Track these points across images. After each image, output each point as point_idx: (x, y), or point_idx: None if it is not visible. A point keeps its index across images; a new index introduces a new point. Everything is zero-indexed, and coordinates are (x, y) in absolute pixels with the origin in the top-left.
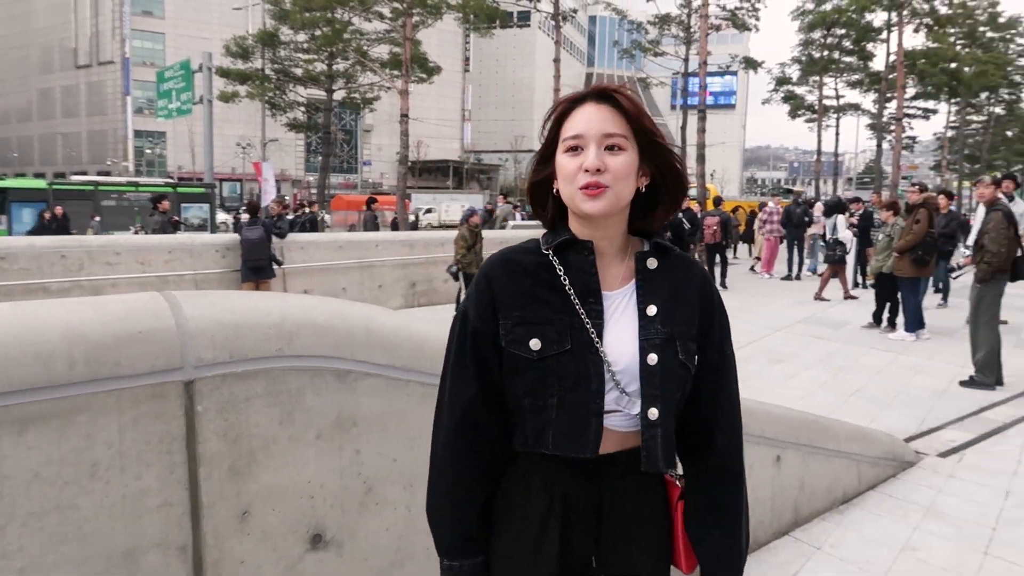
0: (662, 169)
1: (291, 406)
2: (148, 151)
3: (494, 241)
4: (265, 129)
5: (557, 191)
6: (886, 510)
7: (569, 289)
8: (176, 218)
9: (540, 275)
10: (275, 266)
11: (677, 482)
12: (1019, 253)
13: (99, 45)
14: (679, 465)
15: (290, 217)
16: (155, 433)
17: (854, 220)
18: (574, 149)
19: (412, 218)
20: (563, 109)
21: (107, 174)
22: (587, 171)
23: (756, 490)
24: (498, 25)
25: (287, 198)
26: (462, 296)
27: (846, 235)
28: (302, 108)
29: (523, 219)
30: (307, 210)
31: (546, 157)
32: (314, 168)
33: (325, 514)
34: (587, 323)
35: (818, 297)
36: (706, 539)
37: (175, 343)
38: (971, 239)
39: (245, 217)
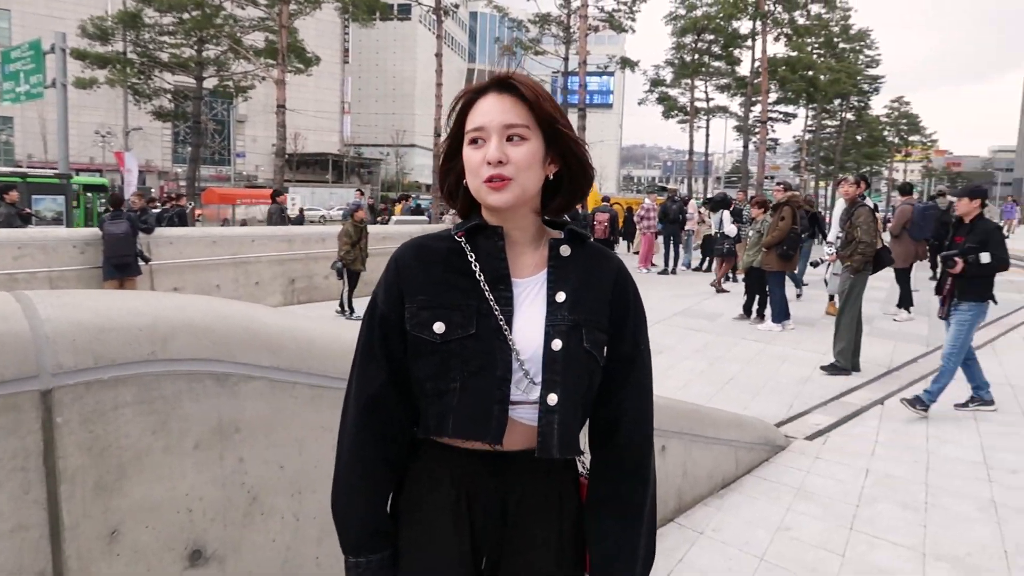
0: (566, 157)
1: (166, 414)
2: None
3: (377, 236)
4: (128, 117)
5: (467, 182)
6: (761, 492)
7: (479, 275)
8: (27, 210)
9: (451, 260)
10: (141, 263)
11: None
12: (879, 245)
13: None
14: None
15: (157, 210)
16: (6, 450)
17: None
18: (477, 141)
19: (296, 213)
20: (466, 101)
21: None
22: (489, 163)
23: None
24: (378, 17)
25: (152, 190)
26: (345, 294)
27: (731, 229)
28: (169, 96)
29: (410, 212)
30: (176, 203)
31: (452, 150)
32: (183, 159)
33: (206, 528)
34: (495, 309)
35: (719, 288)
36: (600, 533)
37: (29, 349)
38: (831, 235)
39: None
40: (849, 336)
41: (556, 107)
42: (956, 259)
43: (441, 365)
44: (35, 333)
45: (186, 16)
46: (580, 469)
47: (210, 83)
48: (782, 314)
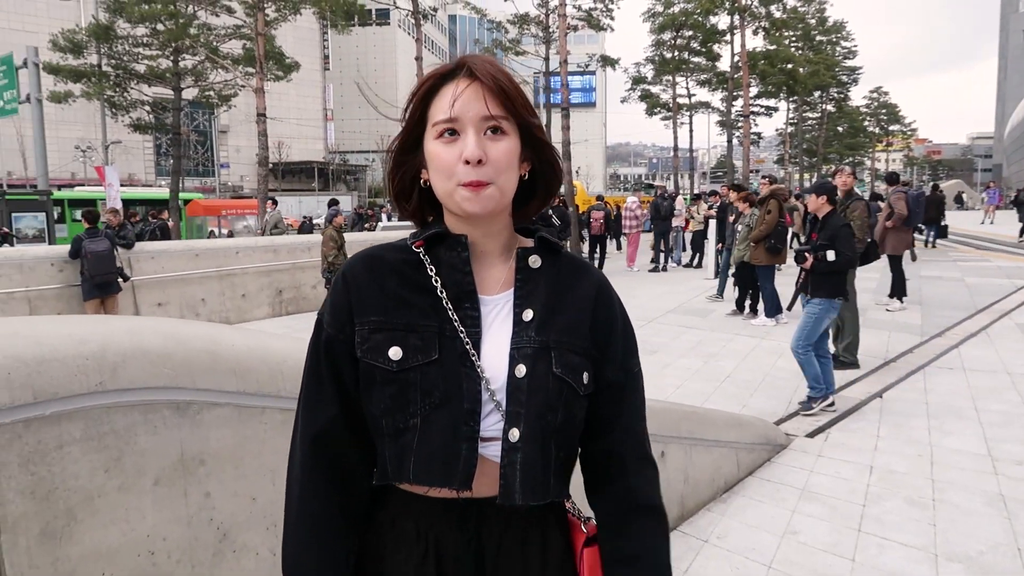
0: (540, 156)
1: (119, 450)
2: None
3: (358, 243)
4: (106, 130)
5: (426, 182)
6: (765, 495)
7: (441, 291)
8: (5, 229)
9: (407, 274)
10: (120, 280)
11: (583, 526)
12: (868, 239)
13: None
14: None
15: (140, 224)
16: None
17: (711, 212)
18: (448, 134)
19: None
20: (430, 86)
21: None
22: (468, 162)
23: None
24: (356, 23)
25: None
26: None
27: None
28: (147, 108)
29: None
30: (158, 216)
31: (411, 143)
32: (165, 172)
33: (171, 571)
34: (461, 331)
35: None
36: None
37: None
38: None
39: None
40: (854, 330)
41: (528, 100)
42: (807, 255)
43: (398, 397)
44: None
45: (160, 27)
46: (567, 506)
47: (189, 93)
48: (774, 308)
